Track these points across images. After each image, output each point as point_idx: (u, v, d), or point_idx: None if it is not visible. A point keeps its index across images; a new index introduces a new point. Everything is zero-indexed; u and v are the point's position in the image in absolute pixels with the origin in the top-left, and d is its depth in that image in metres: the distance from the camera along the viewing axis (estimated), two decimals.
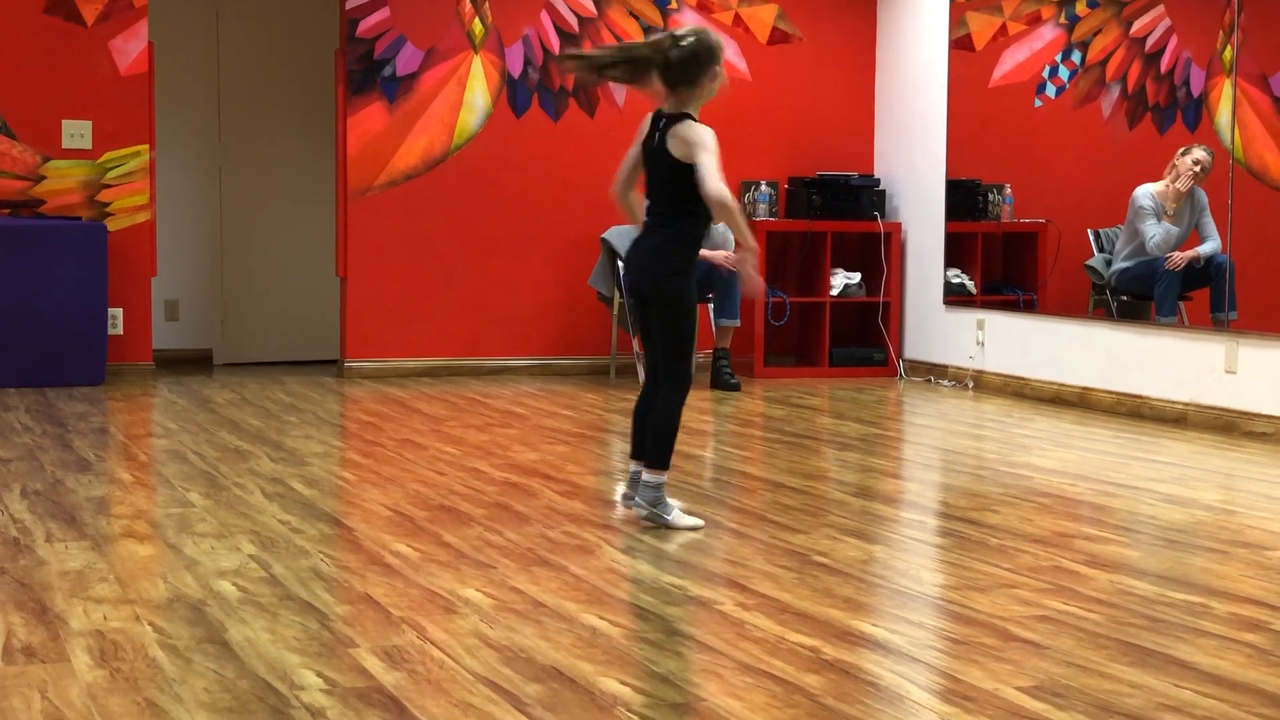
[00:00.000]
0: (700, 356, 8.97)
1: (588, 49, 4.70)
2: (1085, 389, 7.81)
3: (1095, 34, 8.40)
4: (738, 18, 9.23)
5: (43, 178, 8.21)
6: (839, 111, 9.43)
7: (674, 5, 9.04)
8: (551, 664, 3.18)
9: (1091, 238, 8.35)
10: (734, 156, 8.93)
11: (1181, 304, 7.80)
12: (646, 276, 4.58)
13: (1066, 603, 3.74)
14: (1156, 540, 4.67)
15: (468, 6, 8.75)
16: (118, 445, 6.26)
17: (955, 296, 8.88)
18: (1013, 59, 8.74)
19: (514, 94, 8.82)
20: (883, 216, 9.10)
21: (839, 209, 9.04)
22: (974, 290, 8.89)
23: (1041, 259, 8.70)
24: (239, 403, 7.51)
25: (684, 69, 4.46)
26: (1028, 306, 8.68)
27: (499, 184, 8.86)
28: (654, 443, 4.56)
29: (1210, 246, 7.66)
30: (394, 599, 3.69)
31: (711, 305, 8.55)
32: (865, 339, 9.25)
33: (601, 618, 3.57)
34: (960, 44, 8.83)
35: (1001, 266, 9.03)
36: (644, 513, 4.57)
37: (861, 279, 9.15)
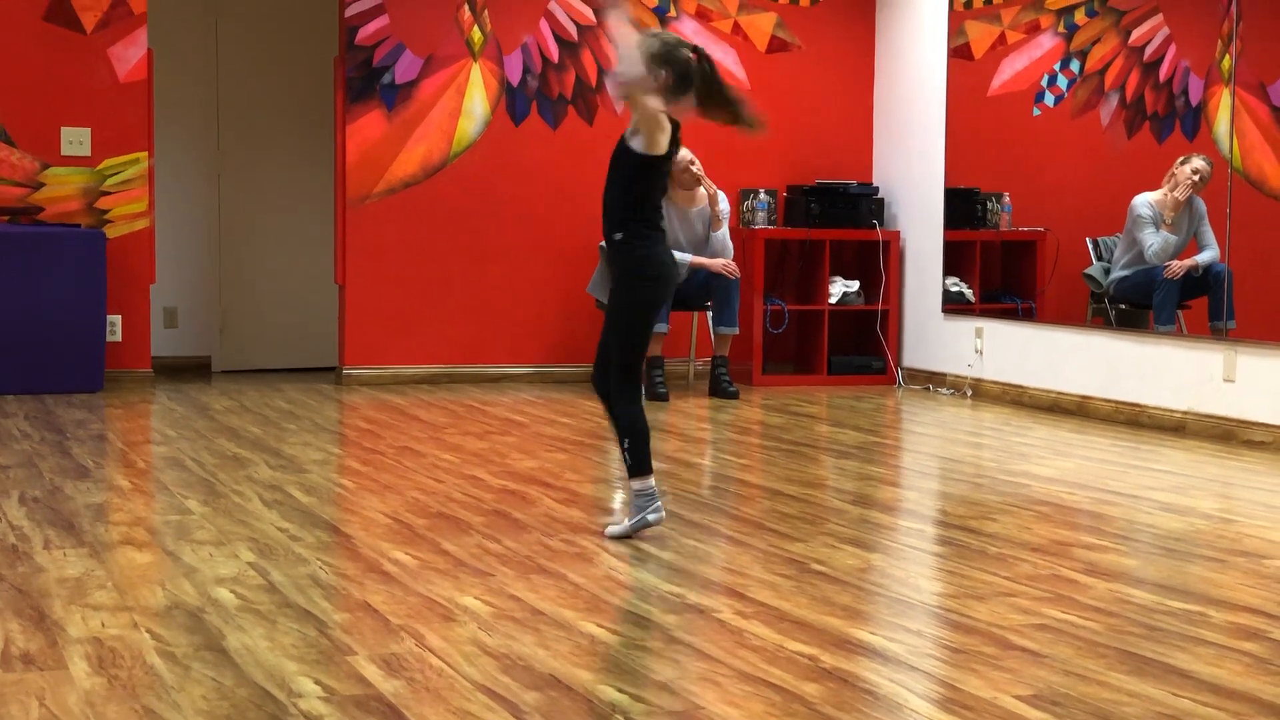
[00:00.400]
0: (699, 364, 8.97)
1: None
2: (1084, 397, 7.82)
3: (1094, 43, 8.41)
4: (737, 26, 9.24)
5: (42, 185, 8.21)
6: (838, 120, 9.44)
7: (673, 14, 9.05)
8: (550, 672, 3.18)
9: (1090, 246, 8.35)
10: (733, 165, 8.98)
11: (1180, 313, 7.80)
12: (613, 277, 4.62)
13: (1065, 611, 3.74)
14: (1155, 549, 4.67)
15: (467, 14, 8.76)
16: (116, 452, 6.26)
17: (954, 305, 8.89)
18: (1011, 68, 8.75)
19: (513, 102, 8.83)
20: (881, 225, 9.10)
21: (838, 217, 9.04)
22: (972, 298, 8.89)
23: (1040, 267, 8.71)
24: (238, 410, 7.51)
25: (687, 75, 4.41)
26: (1026, 315, 8.68)
27: (498, 192, 8.86)
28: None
29: (1209, 255, 7.66)
30: (392, 607, 3.69)
31: (710, 313, 8.55)
32: (864, 347, 9.25)
33: (600, 626, 3.57)
34: (959, 52, 8.84)
35: (1000, 275, 9.04)
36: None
37: (860, 287, 9.15)
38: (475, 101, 8.79)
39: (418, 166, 8.74)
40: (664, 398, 8.06)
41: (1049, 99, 8.64)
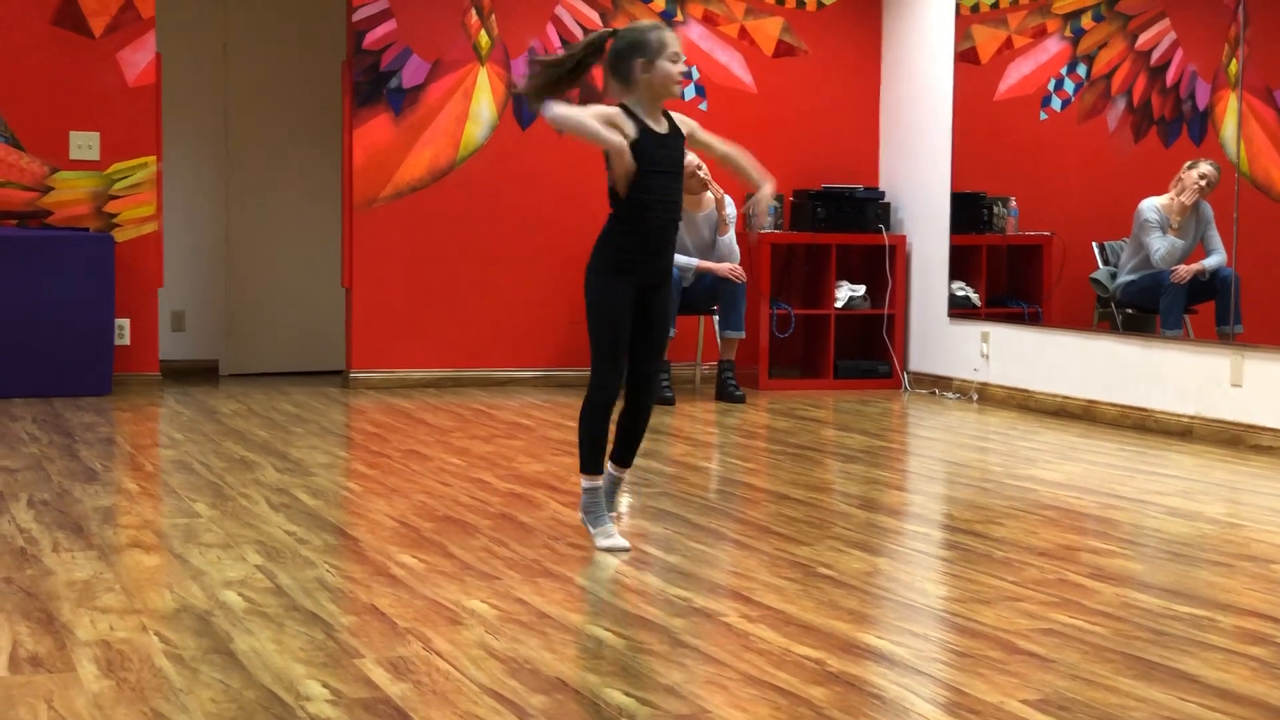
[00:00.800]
0: (705, 368, 8.98)
1: (536, 64, 4.53)
2: (1090, 402, 7.81)
3: (1101, 47, 8.41)
4: (743, 30, 9.24)
5: (50, 189, 8.23)
6: (844, 124, 9.44)
7: (679, 18, 9.06)
8: (556, 675, 3.18)
9: (1096, 251, 8.35)
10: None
11: (1187, 317, 7.80)
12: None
13: (1072, 616, 3.74)
14: (1162, 553, 4.67)
15: (474, 19, 8.78)
16: (124, 455, 6.27)
17: (960, 309, 8.89)
18: (1018, 72, 8.75)
19: (520, 106, 8.84)
20: (887, 229, 9.11)
21: (844, 221, 9.04)
22: (979, 303, 8.89)
23: (1046, 272, 8.71)
24: (245, 413, 7.52)
25: (613, 65, 4.36)
26: (1032, 319, 8.68)
27: (504, 196, 8.87)
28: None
29: (1215, 260, 7.66)
30: (399, 610, 3.70)
31: (716, 317, 8.56)
32: (870, 351, 9.25)
33: (606, 629, 3.58)
34: (965, 57, 8.84)
35: (1006, 279, 9.04)
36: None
37: (866, 291, 9.15)
38: (482, 106, 8.80)
39: (425, 170, 8.75)
40: (670, 401, 8.07)
41: (1055, 103, 8.64)
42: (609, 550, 4.39)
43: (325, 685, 3.08)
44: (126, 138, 8.32)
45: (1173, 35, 8.13)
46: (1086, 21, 8.47)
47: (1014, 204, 8.87)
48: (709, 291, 8.36)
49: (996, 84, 8.81)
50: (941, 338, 8.96)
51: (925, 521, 5.20)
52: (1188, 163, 7.80)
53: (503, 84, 8.82)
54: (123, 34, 8.30)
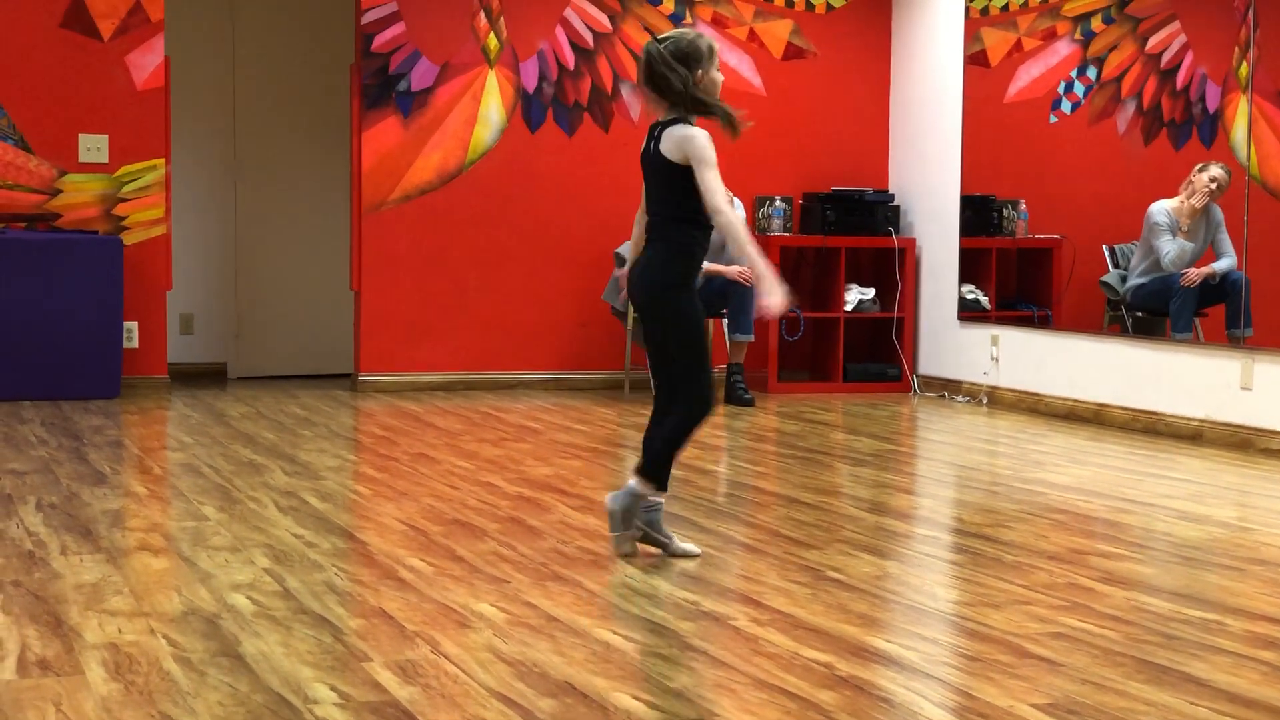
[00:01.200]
0: (715, 371, 8.96)
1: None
2: (1100, 405, 7.80)
3: (1111, 50, 8.39)
4: (752, 33, 9.24)
5: (59, 191, 8.24)
6: (853, 127, 9.43)
7: (688, 20, 9.06)
8: (565, 679, 3.17)
9: (1107, 254, 8.34)
10: (748, 172, 8.98)
11: (1197, 320, 7.78)
12: (644, 291, 4.36)
13: (1081, 620, 3.73)
14: (1172, 557, 4.66)
15: (483, 21, 8.78)
16: (133, 458, 6.27)
17: (969, 312, 8.87)
18: (1028, 75, 8.74)
19: (529, 109, 8.84)
20: (897, 232, 9.09)
21: (853, 224, 9.04)
22: (988, 306, 8.88)
23: (1056, 275, 8.69)
24: (253, 416, 7.52)
25: (664, 75, 4.28)
26: (1042, 322, 8.66)
27: (513, 199, 8.87)
28: (650, 452, 4.37)
29: (1226, 263, 7.64)
30: (407, 613, 3.69)
31: (726, 320, 8.55)
32: (879, 354, 9.24)
33: (615, 633, 3.57)
34: (975, 59, 8.83)
35: (1016, 282, 9.02)
36: (618, 526, 4.39)
37: (876, 294, 9.14)
38: (491, 108, 8.80)
39: (433, 173, 8.75)
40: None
41: (1065, 106, 8.62)
42: (686, 555, 4.37)
43: (333, 689, 3.08)
44: (135, 140, 8.33)
45: (1183, 38, 8.11)
46: (1097, 24, 8.46)
47: (1024, 207, 8.85)
48: (718, 294, 8.36)
49: (1006, 87, 8.80)
50: (951, 341, 8.94)
51: (935, 525, 5.19)
52: (1198, 165, 7.78)
53: (511, 87, 8.82)
54: (131, 37, 8.31)
